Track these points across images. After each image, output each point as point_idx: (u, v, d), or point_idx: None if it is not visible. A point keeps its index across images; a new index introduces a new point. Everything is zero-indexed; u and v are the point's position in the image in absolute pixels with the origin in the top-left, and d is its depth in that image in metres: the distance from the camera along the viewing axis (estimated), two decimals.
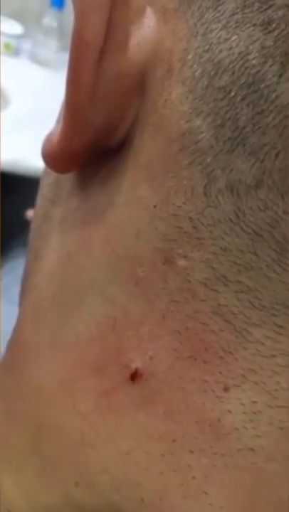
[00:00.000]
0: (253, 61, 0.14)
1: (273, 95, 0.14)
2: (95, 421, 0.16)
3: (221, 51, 0.14)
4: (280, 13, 0.13)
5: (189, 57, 0.15)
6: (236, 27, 0.14)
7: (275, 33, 0.13)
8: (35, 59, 1.24)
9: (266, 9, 0.14)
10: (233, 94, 0.14)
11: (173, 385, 0.15)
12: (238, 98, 0.14)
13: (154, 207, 0.15)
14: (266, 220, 0.14)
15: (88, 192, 0.18)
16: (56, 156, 0.17)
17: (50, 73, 1.19)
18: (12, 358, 0.19)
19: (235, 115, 0.14)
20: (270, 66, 0.14)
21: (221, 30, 0.14)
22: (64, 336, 0.17)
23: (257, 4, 0.14)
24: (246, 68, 0.14)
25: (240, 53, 0.14)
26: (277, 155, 0.14)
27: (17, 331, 0.20)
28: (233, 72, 0.14)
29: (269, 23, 0.14)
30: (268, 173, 0.14)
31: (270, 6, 0.14)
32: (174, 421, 0.15)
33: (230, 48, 0.14)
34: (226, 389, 0.15)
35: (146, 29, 0.16)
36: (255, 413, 0.15)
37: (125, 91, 0.16)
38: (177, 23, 0.15)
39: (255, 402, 0.15)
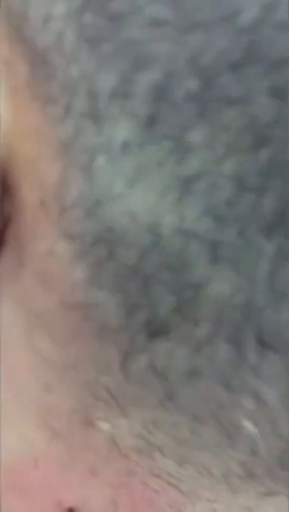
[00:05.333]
0: (170, 238, 0.12)
1: (204, 284, 0.12)
2: None
3: (118, 215, 0.12)
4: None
5: (70, 199, 0.12)
6: (137, 177, 0.11)
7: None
8: None
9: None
10: (145, 275, 0.12)
11: None
12: (154, 281, 0.12)
13: (61, 367, 0.14)
14: (209, 406, 0.13)
15: None
16: None
17: None
18: None
19: (151, 301, 0.12)
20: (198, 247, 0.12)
21: (112, 172, 0.12)
22: None
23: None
24: (162, 249, 0.12)
25: (149, 225, 0.12)
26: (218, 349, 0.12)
27: None
28: (142, 251, 0.12)
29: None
30: (208, 364, 0.12)
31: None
32: None
33: (134, 215, 0.12)
34: None
35: None
36: None
37: None
38: (35, 120, 0.12)
39: None
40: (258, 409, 0.13)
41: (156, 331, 0.12)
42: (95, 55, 0.11)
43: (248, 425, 0.13)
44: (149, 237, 0.11)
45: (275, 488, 0.14)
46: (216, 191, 0.11)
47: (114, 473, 0.14)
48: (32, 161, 0.12)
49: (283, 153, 0.10)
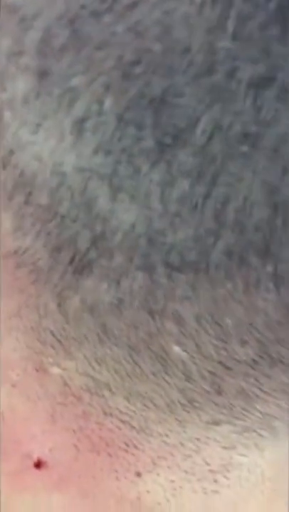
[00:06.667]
0: (73, 176, 0.13)
1: (109, 216, 0.13)
2: (12, 497, 0.16)
3: (28, 160, 0.13)
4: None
5: None
6: (39, 124, 0.13)
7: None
8: None
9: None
10: (60, 214, 0.13)
11: (81, 472, 0.15)
12: (68, 219, 0.13)
13: (6, 317, 0.15)
14: (140, 335, 0.14)
15: None
16: None
17: None
18: None
19: (70, 239, 0.13)
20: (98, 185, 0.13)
21: (18, 123, 0.13)
22: None
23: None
24: (68, 187, 0.13)
25: (53, 166, 0.13)
26: (134, 278, 0.13)
27: None
28: (52, 191, 0.13)
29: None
30: (129, 293, 0.13)
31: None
32: (91, 500, 0.15)
33: (40, 159, 0.13)
34: (138, 474, 0.15)
35: None
36: (175, 489, 0.15)
37: None
38: None
39: (173, 480, 0.15)
40: (181, 331, 0.14)
41: (80, 267, 0.13)
42: None
43: (177, 350, 0.14)
44: (56, 177, 0.13)
45: (217, 416, 0.15)
46: (102, 128, 0.12)
47: (71, 419, 0.15)
48: None
49: (148, 86, 0.11)
